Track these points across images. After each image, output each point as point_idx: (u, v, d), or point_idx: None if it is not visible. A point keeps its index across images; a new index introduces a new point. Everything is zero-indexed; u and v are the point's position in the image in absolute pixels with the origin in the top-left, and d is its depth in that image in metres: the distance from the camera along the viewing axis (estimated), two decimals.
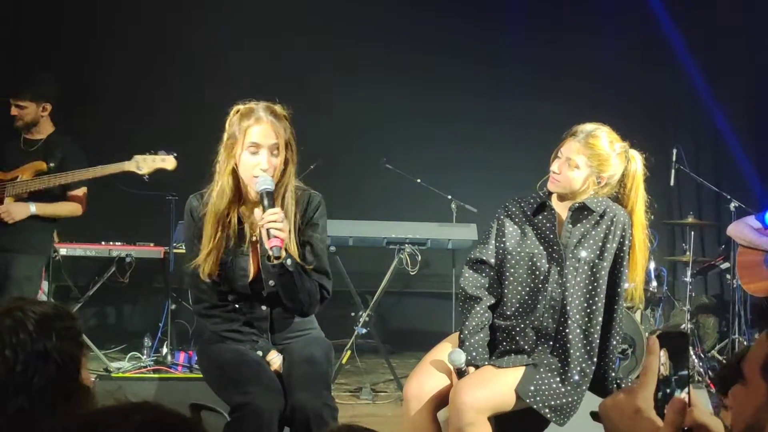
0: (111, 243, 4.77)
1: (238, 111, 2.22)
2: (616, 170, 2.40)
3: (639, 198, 2.45)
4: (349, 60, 5.87)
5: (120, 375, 4.22)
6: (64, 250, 4.59)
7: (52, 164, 3.77)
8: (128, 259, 4.66)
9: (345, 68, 5.87)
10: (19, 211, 3.70)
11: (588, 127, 2.40)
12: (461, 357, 2.31)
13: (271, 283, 2.23)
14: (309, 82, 5.66)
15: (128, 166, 3.64)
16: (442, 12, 6.06)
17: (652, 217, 2.53)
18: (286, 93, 2.35)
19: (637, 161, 2.45)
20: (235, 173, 2.21)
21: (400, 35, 6.00)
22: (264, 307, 2.31)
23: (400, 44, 5.98)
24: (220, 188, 2.20)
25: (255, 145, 2.16)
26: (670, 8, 6.10)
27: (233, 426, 2.06)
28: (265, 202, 2.13)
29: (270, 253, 2.12)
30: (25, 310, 1.20)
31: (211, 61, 5.62)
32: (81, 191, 3.88)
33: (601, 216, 2.39)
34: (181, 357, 4.59)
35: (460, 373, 2.32)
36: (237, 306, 2.30)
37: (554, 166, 2.40)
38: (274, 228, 2.10)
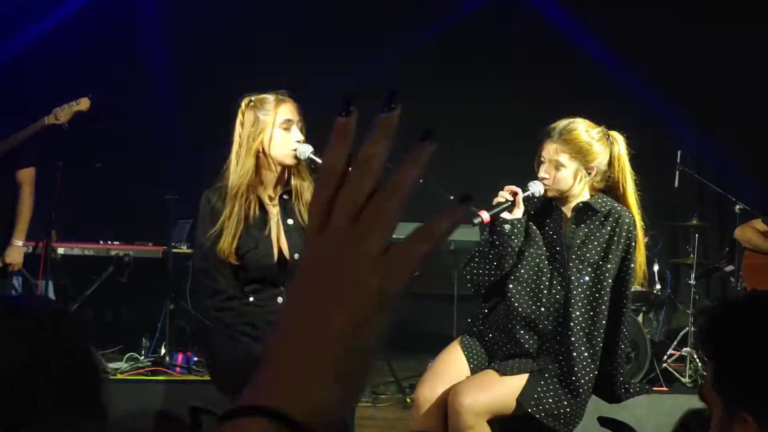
0: (109, 242, 4.72)
1: (250, 101, 2.32)
2: (601, 156, 2.37)
3: (628, 178, 2.41)
4: (352, 57, 5.84)
5: (118, 376, 4.16)
6: (62, 250, 4.55)
7: None
8: (126, 259, 4.62)
9: (347, 65, 5.83)
10: (18, 253, 3.72)
11: (561, 123, 2.38)
12: (539, 186, 2.35)
13: (297, 256, 2.32)
14: (309, 78, 5.62)
15: (48, 119, 3.59)
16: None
17: (648, 218, 2.49)
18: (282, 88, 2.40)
19: (619, 142, 2.42)
20: (257, 155, 2.29)
21: (412, 36, 5.96)
22: (280, 299, 2.32)
23: (402, 41, 5.95)
24: (242, 169, 2.28)
25: (288, 121, 2.31)
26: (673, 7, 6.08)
27: None
28: (319, 160, 2.27)
29: None
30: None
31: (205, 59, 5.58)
32: (29, 172, 3.80)
33: (606, 217, 2.35)
34: (180, 358, 4.54)
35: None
36: (252, 299, 2.31)
37: (542, 172, 2.37)
38: None
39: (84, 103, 3.64)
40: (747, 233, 4.31)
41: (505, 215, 2.34)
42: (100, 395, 1.08)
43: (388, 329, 0.51)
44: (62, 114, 3.59)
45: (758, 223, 4.31)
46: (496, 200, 2.35)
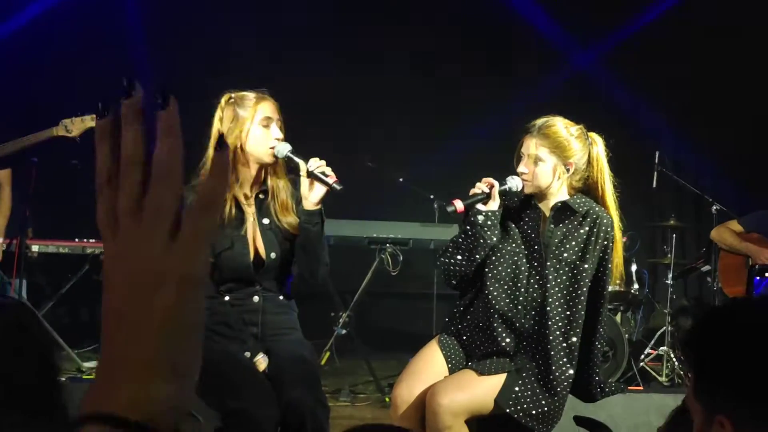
0: (85, 240, 4.66)
1: (230, 97, 2.31)
2: (579, 154, 2.38)
3: (606, 179, 2.43)
4: (337, 59, 5.82)
5: (93, 375, 4.11)
6: (36, 247, 4.48)
7: None
8: (102, 257, 4.55)
9: (331, 67, 5.81)
10: None
11: (540, 120, 2.40)
12: (517, 182, 2.37)
13: (273, 255, 2.31)
14: (288, 80, 5.59)
15: (57, 131, 3.52)
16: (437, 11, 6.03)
17: (626, 218, 2.51)
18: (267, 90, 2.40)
19: (598, 144, 2.44)
20: (234, 152, 2.28)
21: (396, 36, 5.96)
22: (256, 299, 2.31)
23: (390, 43, 5.94)
24: None
25: (267, 119, 2.31)
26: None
27: None
28: (298, 160, 2.28)
29: (338, 188, 2.26)
30: None
31: (194, 55, 5.54)
32: (6, 173, 3.76)
33: (584, 217, 2.36)
34: None
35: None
36: (227, 298, 2.29)
37: (521, 167, 2.38)
38: (326, 169, 2.26)
39: None
40: (723, 234, 4.36)
41: (480, 207, 2.35)
42: (56, 395, 1.05)
43: (203, 311, 0.51)
44: (74, 128, 3.49)
45: (734, 224, 4.36)
46: (472, 191, 2.37)
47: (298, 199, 2.37)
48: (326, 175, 2.25)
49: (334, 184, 2.25)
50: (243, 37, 5.70)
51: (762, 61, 5.87)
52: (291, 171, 2.39)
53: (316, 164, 2.26)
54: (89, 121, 3.52)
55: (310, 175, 2.25)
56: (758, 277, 4.08)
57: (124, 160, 0.52)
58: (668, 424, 1.10)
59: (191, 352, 0.50)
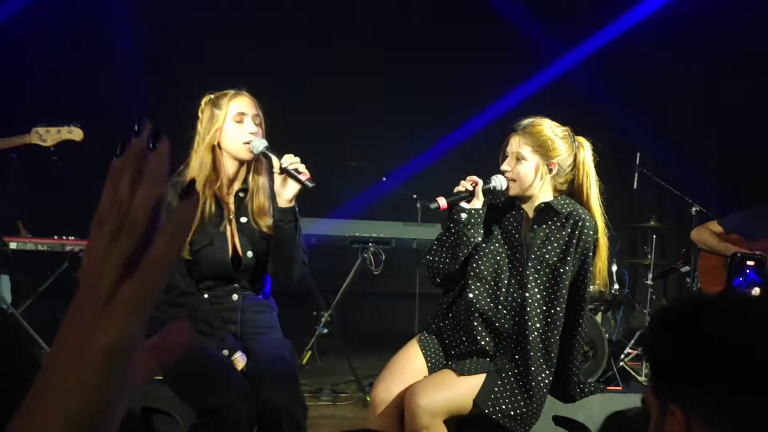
0: (64, 237, 4.62)
1: (210, 98, 2.32)
2: (564, 155, 2.38)
3: (592, 184, 2.43)
4: (321, 58, 5.80)
5: None
6: (14, 244, 4.43)
7: None
8: (81, 254, 4.51)
9: (316, 65, 5.80)
10: None
11: (527, 119, 2.41)
12: (502, 181, 2.37)
13: (249, 254, 2.30)
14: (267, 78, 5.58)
15: (30, 138, 3.43)
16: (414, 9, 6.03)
17: (608, 218, 2.53)
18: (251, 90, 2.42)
19: (585, 148, 2.44)
20: (213, 150, 2.28)
21: (375, 36, 5.95)
22: (235, 297, 2.30)
23: (373, 45, 5.94)
24: (198, 164, 2.27)
25: (240, 114, 2.30)
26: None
27: (203, 430, 1.99)
28: (272, 156, 2.25)
29: (310, 186, 2.22)
30: None
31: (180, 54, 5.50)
32: None
33: (566, 218, 2.36)
34: None
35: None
36: (206, 296, 2.29)
37: (503, 165, 2.39)
38: (299, 166, 2.22)
39: (77, 134, 3.46)
40: (702, 235, 4.40)
41: (464, 204, 2.36)
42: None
43: (126, 385, 0.48)
44: (49, 138, 3.42)
45: (714, 225, 4.40)
46: (456, 189, 2.37)
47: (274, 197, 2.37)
48: (299, 172, 2.21)
49: (306, 182, 2.22)
50: (229, 37, 5.67)
51: (741, 61, 5.93)
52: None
53: (290, 160, 2.23)
54: (66, 133, 3.45)
55: (283, 171, 2.23)
56: (741, 268, 4.10)
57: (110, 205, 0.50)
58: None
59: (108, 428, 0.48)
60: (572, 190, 2.45)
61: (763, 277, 3.39)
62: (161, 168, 0.50)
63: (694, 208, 4.79)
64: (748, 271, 3.26)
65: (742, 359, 0.85)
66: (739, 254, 3.39)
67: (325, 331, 4.25)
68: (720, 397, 0.85)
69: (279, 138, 2.41)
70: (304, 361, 4.26)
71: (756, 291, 3.17)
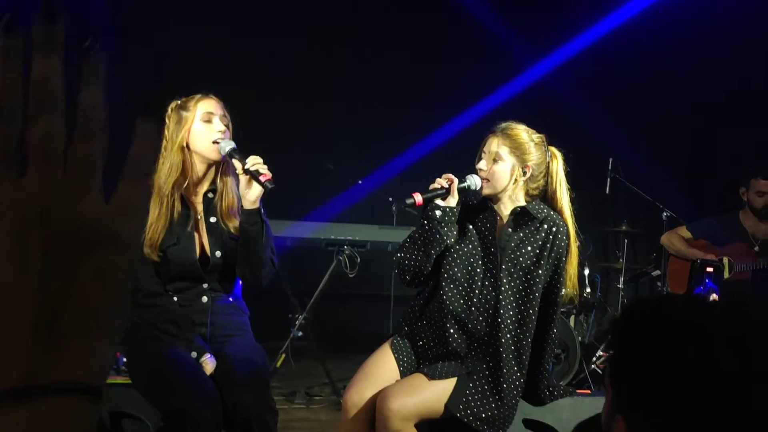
0: None
1: (177, 103, 2.33)
2: (537, 160, 2.43)
3: (564, 193, 2.48)
4: (297, 61, 5.80)
5: None
6: None
7: None
8: None
9: (291, 68, 5.79)
10: None
11: (505, 122, 2.47)
12: (477, 180, 2.40)
13: (218, 254, 2.31)
14: (247, 80, 5.56)
15: None
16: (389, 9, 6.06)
17: (580, 223, 2.57)
18: (221, 91, 2.43)
19: (558, 158, 2.49)
20: (182, 152, 2.29)
21: (351, 37, 5.96)
22: (205, 299, 2.29)
23: (349, 47, 5.95)
24: (168, 166, 2.28)
25: (208, 113, 2.32)
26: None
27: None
28: (238, 156, 2.26)
29: (269, 187, 2.22)
30: None
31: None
32: None
33: (541, 223, 2.40)
34: None
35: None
36: (175, 299, 2.27)
37: (480, 163, 2.43)
38: (261, 167, 2.22)
39: None
40: (672, 240, 4.48)
41: (439, 202, 2.38)
42: None
43: (133, 276, 0.49)
44: None
45: (683, 230, 4.48)
46: (432, 186, 2.39)
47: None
48: (259, 173, 2.21)
49: (266, 182, 2.21)
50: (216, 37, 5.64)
51: (712, 69, 6.04)
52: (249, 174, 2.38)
53: (252, 161, 2.23)
54: None
55: (246, 172, 2.23)
56: (701, 275, 4.18)
57: (37, 93, 0.45)
58: None
59: (124, 312, 0.48)
60: (545, 197, 2.49)
61: (720, 283, 3.46)
62: (104, 70, 0.47)
63: (665, 214, 4.88)
64: (707, 279, 3.31)
65: (675, 366, 0.82)
66: (699, 261, 3.45)
67: (300, 333, 4.25)
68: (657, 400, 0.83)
69: (253, 139, 2.42)
70: (279, 364, 4.24)
71: (714, 297, 3.23)
